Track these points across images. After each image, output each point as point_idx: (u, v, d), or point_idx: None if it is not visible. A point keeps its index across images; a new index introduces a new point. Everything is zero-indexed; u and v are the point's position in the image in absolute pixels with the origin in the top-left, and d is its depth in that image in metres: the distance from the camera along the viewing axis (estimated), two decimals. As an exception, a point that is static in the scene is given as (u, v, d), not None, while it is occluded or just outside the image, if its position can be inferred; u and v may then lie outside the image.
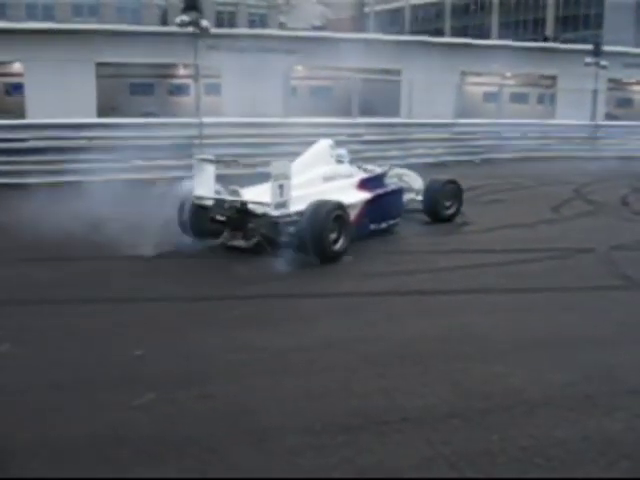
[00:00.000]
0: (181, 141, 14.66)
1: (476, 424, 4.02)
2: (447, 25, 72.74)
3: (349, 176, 9.33)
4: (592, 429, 3.99)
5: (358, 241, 8.38)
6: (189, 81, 24.56)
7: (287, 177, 7.69)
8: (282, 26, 71.17)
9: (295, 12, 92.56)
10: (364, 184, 9.28)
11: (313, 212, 7.66)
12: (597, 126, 23.14)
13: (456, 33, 60.75)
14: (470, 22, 68.31)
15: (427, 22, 73.89)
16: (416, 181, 10.67)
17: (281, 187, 7.62)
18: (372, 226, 9.08)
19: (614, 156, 20.70)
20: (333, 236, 7.81)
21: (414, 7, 78.03)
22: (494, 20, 69.05)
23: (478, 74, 27.12)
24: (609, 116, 26.70)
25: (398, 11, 78.93)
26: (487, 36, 58.57)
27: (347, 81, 20.54)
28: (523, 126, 21.75)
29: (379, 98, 21.97)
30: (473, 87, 27.22)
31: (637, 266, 7.83)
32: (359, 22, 75.24)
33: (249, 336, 5.39)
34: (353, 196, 8.83)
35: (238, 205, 7.94)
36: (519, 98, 27.47)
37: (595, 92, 24.15)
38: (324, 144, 9.50)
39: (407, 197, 10.22)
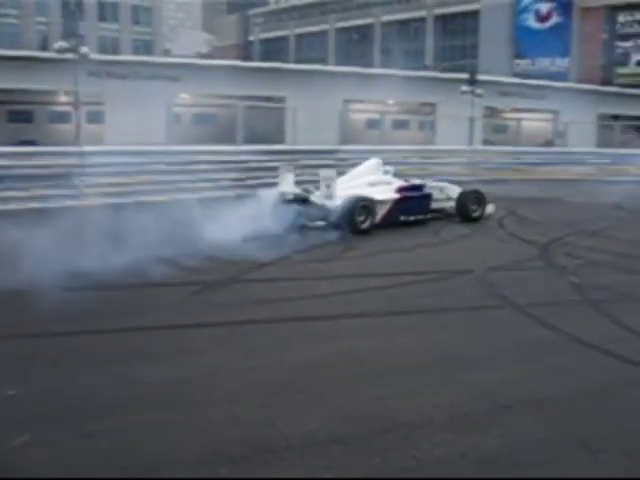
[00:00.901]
0: (59, 170, 14.26)
1: (357, 448, 4.05)
2: (331, 53, 74.05)
3: (389, 184, 13.03)
4: (469, 447, 4.08)
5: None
6: (70, 108, 23.94)
7: (332, 179, 12.04)
8: (167, 53, 70.70)
9: (180, 39, 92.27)
10: (400, 190, 12.90)
11: (347, 202, 11.62)
12: (475, 151, 24.03)
13: (340, 61, 61.95)
14: (353, 51, 69.81)
15: (311, 50, 74.97)
16: (454, 192, 13.87)
17: (328, 186, 11.91)
18: (402, 217, 12.71)
19: (491, 179, 21.52)
20: (361, 218, 11.71)
21: (298, 36, 79.20)
22: (376, 49, 70.89)
23: (361, 101, 27.70)
24: (486, 142, 27.79)
25: (283, 39, 79.90)
26: (370, 65, 59.99)
27: (232, 108, 20.54)
28: (405, 152, 22.32)
29: (264, 125, 22.11)
30: (356, 114, 27.76)
31: (512, 286, 8.12)
32: (244, 50, 75.58)
33: (132, 370, 5.24)
34: (386, 196, 12.49)
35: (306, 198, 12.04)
36: (401, 125, 28.23)
37: (472, 119, 25.12)
38: (374, 162, 13.46)
39: (447, 204, 13.71)
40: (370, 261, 9.62)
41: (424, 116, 28.02)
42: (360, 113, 27.90)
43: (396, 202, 12.59)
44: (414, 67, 42.37)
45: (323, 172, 12.26)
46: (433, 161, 22.48)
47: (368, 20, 72.22)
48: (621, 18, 59.02)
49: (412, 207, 12.85)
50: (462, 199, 13.60)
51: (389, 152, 21.20)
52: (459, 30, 66.60)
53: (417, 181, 13.72)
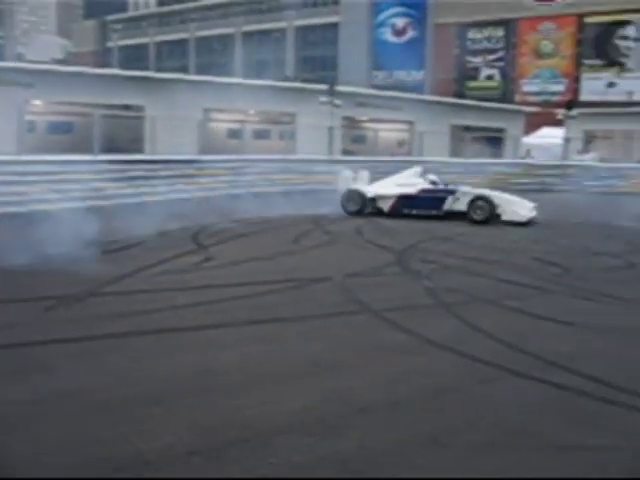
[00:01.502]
0: None
1: (215, 459, 4.02)
2: (192, 62, 73.38)
3: (413, 185, 16.41)
4: (328, 451, 4.15)
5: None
6: None
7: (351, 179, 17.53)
8: (20, 57, 67.74)
9: (34, 44, 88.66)
10: (421, 190, 16.24)
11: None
12: (334, 161, 24.47)
13: (200, 70, 61.46)
14: (214, 60, 69.46)
15: (171, 58, 74.05)
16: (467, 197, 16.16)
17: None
18: (405, 210, 16.20)
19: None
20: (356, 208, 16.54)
21: (158, 43, 77.99)
22: (238, 59, 70.87)
23: (222, 111, 27.57)
24: (345, 151, 28.35)
25: (142, 47, 78.41)
26: (231, 74, 59.86)
27: (89, 117, 19.95)
28: (266, 162, 22.45)
29: (122, 135, 21.59)
30: (217, 124, 27.61)
31: (369, 292, 8.31)
32: (102, 56, 73.63)
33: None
34: (392, 192, 16.40)
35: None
36: (262, 134, 28.31)
37: (331, 129, 25.56)
38: (414, 169, 17.06)
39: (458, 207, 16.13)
40: (230, 271, 9.54)
41: (284, 126, 28.25)
42: (221, 122, 27.75)
43: (399, 198, 16.28)
44: (275, 77, 42.65)
45: (341, 174, 17.96)
46: (293, 170, 22.78)
47: (229, 30, 72.11)
48: (471, 35, 61.89)
49: (415, 204, 16.16)
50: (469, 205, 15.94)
51: (249, 162, 21.30)
52: (319, 42, 67.72)
53: (442, 185, 16.65)
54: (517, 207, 15.87)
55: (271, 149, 26.25)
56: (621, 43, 56.06)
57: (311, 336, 6.53)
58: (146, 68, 61.98)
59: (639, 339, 6.88)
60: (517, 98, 57.28)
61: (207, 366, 5.58)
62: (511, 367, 5.70)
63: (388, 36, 65.24)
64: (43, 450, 4.09)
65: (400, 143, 31.76)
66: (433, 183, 16.57)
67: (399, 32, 64.79)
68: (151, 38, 78.29)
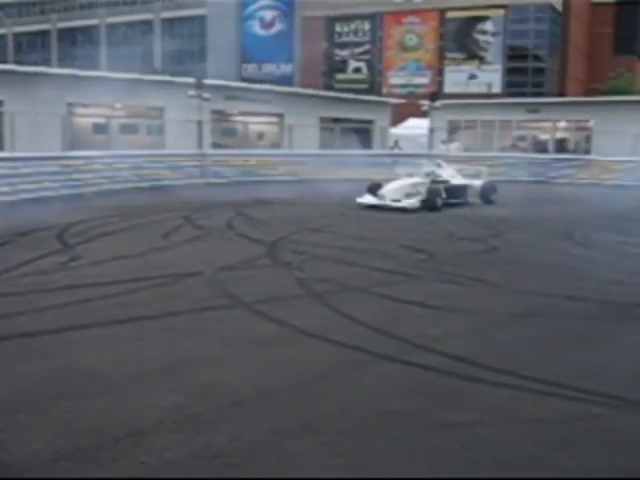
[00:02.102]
0: None
1: (84, 463, 3.92)
2: (54, 55, 70.72)
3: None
4: (200, 446, 4.13)
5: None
6: None
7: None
8: None
9: None
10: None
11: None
12: (204, 155, 24.25)
13: (63, 63, 59.31)
14: (78, 52, 67.21)
15: (33, 51, 71.07)
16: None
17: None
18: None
19: (223, 182, 21.89)
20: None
21: (17, 35, 74.64)
22: (102, 51, 68.91)
23: (86, 105, 26.71)
24: (216, 145, 28.13)
25: (1, 37, 74.83)
26: (95, 67, 58.12)
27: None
28: (134, 157, 21.98)
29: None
30: (82, 118, 26.74)
31: (241, 285, 8.31)
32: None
33: None
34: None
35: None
36: (129, 129, 27.64)
37: (200, 123, 25.28)
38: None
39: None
40: (97, 269, 9.25)
41: (152, 120, 27.69)
42: (86, 117, 26.89)
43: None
44: (142, 70, 41.74)
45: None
46: (163, 164, 22.43)
47: (93, 21, 69.97)
48: (338, 28, 62.79)
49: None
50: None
51: (116, 157, 20.78)
52: (186, 34, 66.82)
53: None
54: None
55: (139, 144, 25.67)
56: (480, 37, 58.43)
57: (182, 332, 6.44)
58: (4, 61, 59.14)
59: (502, 319, 7.19)
60: (384, 90, 58.69)
61: (74, 368, 5.43)
62: (381, 352, 5.85)
63: (256, 29, 65.23)
64: None
65: (260, 135, 31.73)
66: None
67: (267, 25, 64.91)
68: (9, 29, 74.79)
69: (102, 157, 21.05)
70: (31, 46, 73.04)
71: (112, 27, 69.50)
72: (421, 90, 55.71)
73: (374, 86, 60.16)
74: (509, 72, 57.47)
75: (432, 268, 9.74)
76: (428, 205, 17.33)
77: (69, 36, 71.45)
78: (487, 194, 19.42)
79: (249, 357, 5.80)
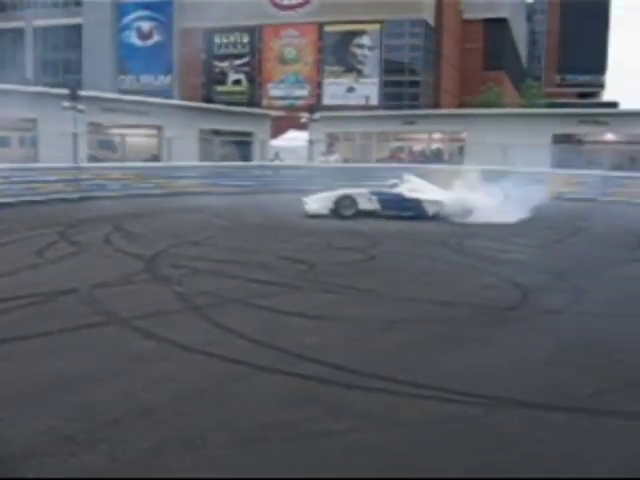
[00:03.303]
0: None
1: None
2: None
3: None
4: (75, 467, 4.04)
5: None
6: None
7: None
8: None
9: None
10: None
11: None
12: (80, 168, 23.63)
13: None
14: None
15: None
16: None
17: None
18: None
19: (100, 196, 21.40)
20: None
21: None
22: (-31, 60, 65.96)
23: (-48, 117, 25.50)
24: (92, 158, 27.43)
25: None
26: (-38, 77, 55.54)
27: None
28: (4, 170, 21.16)
29: None
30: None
31: (118, 301, 8.14)
32: None
33: None
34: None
35: None
36: (1, 142, 26.61)
37: (75, 135, 24.59)
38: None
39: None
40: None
41: (24, 132, 26.72)
42: (-49, 130, 25.72)
43: None
44: (14, 81, 40.22)
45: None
46: (35, 178, 21.71)
47: (-44, 28, 66.94)
48: (217, 40, 62.64)
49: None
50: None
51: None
52: (61, 44, 64.92)
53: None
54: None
55: (11, 157, 24.71)
56: (358, 51, 59.70)
57: (55, 352, 6.24)
58: None
59: (377, 327, 7.37)
60: (264, 102, 58.97)
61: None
62: (260, 363, 5.89)
63: (133, 39, 64.24)
64: None
65: (138, 148, 30.96)
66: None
67: (145, 36, 64.03)
68: None
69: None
70: None
71: (-20, 35, 66.73)
72: (301, 102, 56.32)
73: (254, 98, 60.34)
74: (386, 85, 58.98)
75: (310, 278, 9.85)
76: (335, 213, 18.05)
77: None
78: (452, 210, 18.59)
79: (126, 375, 5.68)
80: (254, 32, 61.51)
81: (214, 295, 8.54)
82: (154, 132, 31.32)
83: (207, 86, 62.55)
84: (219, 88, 62.41)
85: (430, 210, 18.43)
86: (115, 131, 30.69)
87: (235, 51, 62.54)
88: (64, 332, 6.88)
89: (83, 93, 26.71)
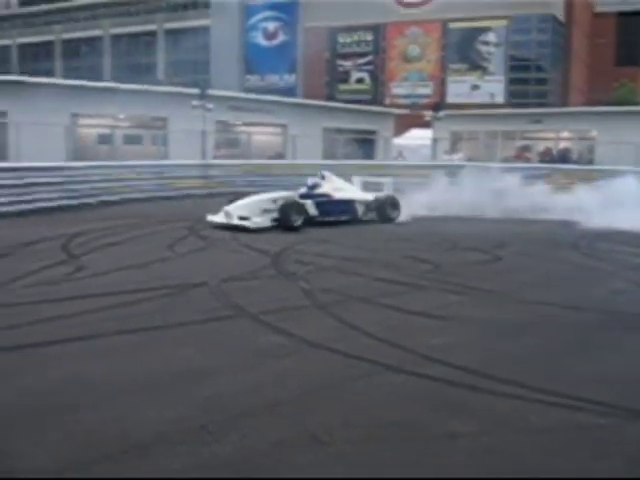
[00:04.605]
0: None
1: (94, 474, 3.94)
2: (58, 65, 71.00)
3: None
4: (206, 456, 4.13)
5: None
6: None
7: None
8: None
9: None
10: None
11: None
12: (208, 165, 24.31)
13: (67, 74, 59.59)
14: (82, 63, 67.53)
15: (37, 61, 71.35)
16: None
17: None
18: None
19: (225, 192, 21.89)
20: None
21: (22, 46, 75.00)
22: (107, 62, 69.21)
23: (91, 116, 26.83)
24: (219, 155, 28.21)
25: (5, 49, 75.19)
26: (100, 78, 58.35)
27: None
28: (138, 167, 22.04)
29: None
30: (86, 129, 26.85)
31: (246, 295, 8.30)
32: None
33: None
34: None
35: None
36: (133, 139, 27.74)
37: (204, 133, 25.36)
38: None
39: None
40: (101, 280, 9.23)
41: (156, 130, 27.78)
42: (90, 128, 27.00)
43: None
44: (146, 81, 41.90)
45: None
46: (167, 175, 22.49)
47: (97, 32, 70.28)
48: (341, 39, 62.99)
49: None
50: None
51: (120, 168, 20.86)
52: (190, 45, 67.05)
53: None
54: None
55: (143, 154, 25.76)
56: (483, 48, 58.57)
57: (186, 343, 6.42)
58: (9, 72, 59.41)
59: (505, 330, 7.19)
60: (387, 101, 58.84)
61: (77, 380, 5.40)
62: (385, 362, 5.85)
63: (259, 40, 65.49)
64: None
65: (263, 146, 31.44)
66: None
67: (270, 36, 65.17)
68: (14, 40, 75.17)
69: (106, 167, 21.09)
70: (35, 57, 73.33)
71: (116, 38, 69.83)
72: (424, 101, 55.87)
73: (377, 97, 60.30)
74: (512, 82, 57.59)
75: (436, 278, 9.71)
76: (282, 224, 14.67)
77: (73, 47, 71.77)
78: (384, 210, 16.83)
79: (254, 368, 5.78)
80: (378, 30, 61.46)
81: (339, 292, 8.57)
82: (279, 130, 31.87)
83: (330, 85, 63.02)
84: (342, 87, 62.75)
85: (360, 211, 16.63)
86: (241, 129, 31.43)
87: (359, 49, 62.69)
88: (194, 324, 7.09)
89: (211, 92, 27.49)
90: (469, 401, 5.12)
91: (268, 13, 65.04)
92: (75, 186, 19.14)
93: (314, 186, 16.12)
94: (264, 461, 4.12)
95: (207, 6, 65.43)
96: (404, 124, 40.94)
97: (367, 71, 62.65)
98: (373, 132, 35.45)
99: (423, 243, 13.42)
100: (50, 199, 17.68)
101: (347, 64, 63.17)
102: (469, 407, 5.01)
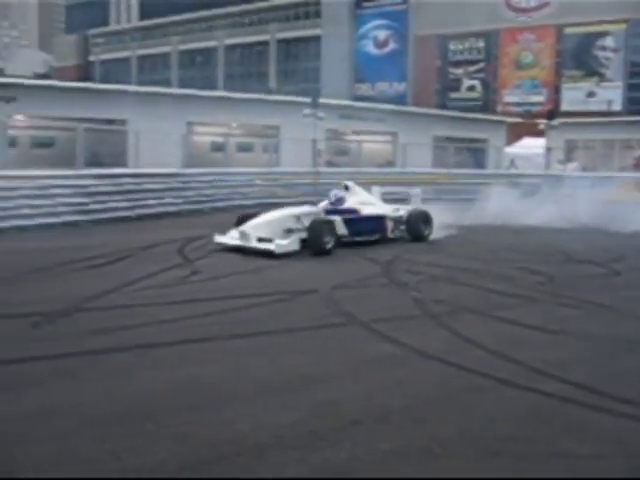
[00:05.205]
0: None
1: (208, 474, 4.02)
2: (174, 75, 73.35)
3: None
4: (319, 463, 4.16)
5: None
6: None
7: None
8: (1, 72, 67.41)
9: (16, 58, 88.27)
10: None
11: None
12: (318, 173, 24.53)
13: (183, 84, 61.51)
14: (197, 73, 69.52)
15: (154, 72, 73.96)
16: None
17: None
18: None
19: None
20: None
21: (141, 57, 77.91)
22: (220, 72, 70.95)
23: (205, 124, 27.60)
24: (329, 163, 28.42)
25: (124, 60, 78.34)
26: (214, 87, 59.94)
27: (71, 131, 19.91)
28: (250, 174, 22.49)
29: (106, 149, 21.57)
30: (201, 137, 27.62)
31: (357, 303, 8.31)
32: (84, 70, 73.42)
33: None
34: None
35: None
36: (245, 147, 28.33)
37: (314, 141, 25.61)
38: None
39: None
40: (214, 284, 9.48)
41: (268, 138, 28.27)
42: (204, 136, 27.76)
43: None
44: (257, 90, 42.74)
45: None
46: (278, 183, 22.83)
47: (211, 43, 72.20)
48: (452, 46, 62.33)
49: None
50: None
51: (234, 175, 21.34)
52: (302, 54, 67.92)
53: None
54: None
55: (255, 162, 26.27)
56: (600, 53, 56.61)
57: (298, 349, 6.51)
58: (128, 82, 61.89)
59: (622, 346, 6.93)
60: (499, 108, 57.71)
61: (193, 381, 5.55)
62: (499, 376, 5.73)
63: (370, 48, 65.57)
64: (29, 469, 4.07)
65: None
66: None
67: (381, 44, 65.15)
68: (133, 52, 78.23)
69: (218, 174, 21.63)
70: (153, 67, 76.00)
71: (229, 48, 71.51)
72: (537, 108, 54.50)
73: (488, 104, 59.28)
74: (630, 89, 55.40)
75: (550, 291, 9.44)
76: (311, 246, 12.19)
77: (189, 57, 73.99)
78: (416, 227, 14.28)
79: (366, 376, 5.78)
80: (490, 37, 60.44)
81: (451, 303, 8.47)
82: (389, 138, 31.83)
83: (441, 93, 62.42)
84: (453, 94, 62.05)
85: (389, 228, 14.08)
86: (351, 137, 31.57)
87: (470, 57, 61.81)
88: (305, 330, 7.17)
89: (323, 101, 27.75)
90: (585, 420, 4.96)
91: (379, 22, 65.07)
92: (189, 192, 19.72)
93: (339, 200, 13.94)
94: (376, 469, 4.11)
95: (318, 15, 66.11)
96: (516, 132, 40.08)
97: (478, 79, 61.67)
98: (484, 140, 34.88)
99: (536, 254, 13.07)
100: (166, 204, 18.27)
101: (458, 72, 62.38)
102: (585, 426, 4.84)
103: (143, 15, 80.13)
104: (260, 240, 12.11)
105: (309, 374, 5.77)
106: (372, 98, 53.28)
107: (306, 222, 12.39)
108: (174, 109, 25.01)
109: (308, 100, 26.54)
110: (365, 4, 64.73)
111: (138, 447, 4.31)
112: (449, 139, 33.07)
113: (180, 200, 19.05)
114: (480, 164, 33.83)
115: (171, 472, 4.01)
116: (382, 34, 65.04)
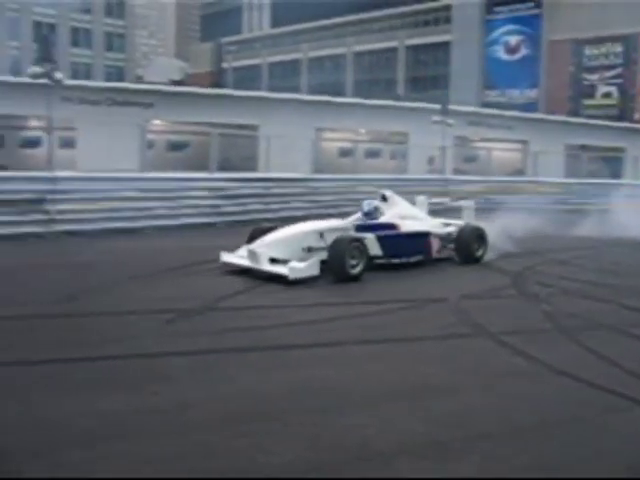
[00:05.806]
0: (30, 195, 14.25)
1: (335, 477, 4.06)
2: (304, 82, 74.55)
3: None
4: (449, 473, 4.14)
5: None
6: (42, 133, 23.76)
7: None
8: (139, 79, 70.67)
9: (153, 66, 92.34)
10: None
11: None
12: (447, 180, 24.29)
13: (312, 90, 62.41)
14: (326, 79, 70.36)
15: (284, 78, 75.45)
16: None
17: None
18: None
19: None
20: None
21: (271, 64, 79.75)
22: (349, 78, 71.55)
23: (333, 130, 27.91)
24: (457, 171, 28.09)
25: (256, 67, 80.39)
26: (342, 93, 60.49)
27: (205, 136, 20.63)
28: (377, 181, 22.50)
29: (237, 153, 22.20)
30: (329, 143, 27.94)
31: (486, 314, 8.18)
32: (218, 77, 75.76)
33: (101, 399, 5.14)
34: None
35: None
36: (373, 153, 28.43)
37: (443, 148, 25.40)
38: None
39: None
40: (343, 289, 9.59)
41: (395, 145, 28.27)
42: (333, 142, 28.07)
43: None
44: (385, 97, 42.82)
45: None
46: (405, 190, 22.73)
47: (340, 49, 72.94)
48: (587, 51, 60.24)
49: None
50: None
51: (361, 181, 21.43)
52: (430, 61, 67.50)
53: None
54: None
55: (382, 168, 26.32)
56: None
57: (425, 357, 6.48)
58: (259, 88, 63.46)
59: None
60: (636, 116, 55.27)
61: (321, 384, 5.63)
62: (635, 397, 5.49)
63: (501, 54, 64.36)
64: (167, 460, 4.24)
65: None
66: None
67: (512, 50, 63.82)
68: (264, 59, 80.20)
69: (346, 180, 21.79)
70: (283, 74, 77.58)
71: (358, 55, 72.00)
72: (680, 116, 51.87)
73: (626, 112, 56.90)
74: None
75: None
76: (332, 269, 10.05)
77: (318, 64, 75.05)
78: (468, 247, 12.08)
79: (494, 389, 5.69)
80: (629, 41, 58.01)
81: (584, 318, 8.18)
82: (518, 146, 31.13)
83: (574, 99, 60.44)
84: (587, 101, 59.95)
85: (435, 247, 11.99)
86: (480, 145, 31.11)
87: (606, 62, 59.54)
88: (433, 339, 7.13)
89: (452, 107, 27.48)
90: None
91: (510, 27, 63.77)
92: (319, 197, 19.96)
93: (373, 212, 11.73)
94: (507, 486, 4.04)
95: (448, 21, 65.52)
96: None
97: (615, 85, 59.34)
98: (621, 149, 33.48)
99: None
100: (296, 208, 18.58)
101: (593, 77, 60.22)
102: None
103: (274, 23, 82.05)
104: (273, 261, 10.26)
105: (436, 383, 5.75)
106: (502, 105, 52.22)
107: (330, 240, 10.38)
108: (304, 115, 25.45)
109: (437, 107, 26.36)
110: (496, 9, 63.56)
111: (268, 446, 4.41)
112: (582, 147, 31.98)
113: (309, 205, 19.31)
114: (616, 174, 32.47)
115: (299, 472, 4.09)
116: (513, 39, 63.70)
